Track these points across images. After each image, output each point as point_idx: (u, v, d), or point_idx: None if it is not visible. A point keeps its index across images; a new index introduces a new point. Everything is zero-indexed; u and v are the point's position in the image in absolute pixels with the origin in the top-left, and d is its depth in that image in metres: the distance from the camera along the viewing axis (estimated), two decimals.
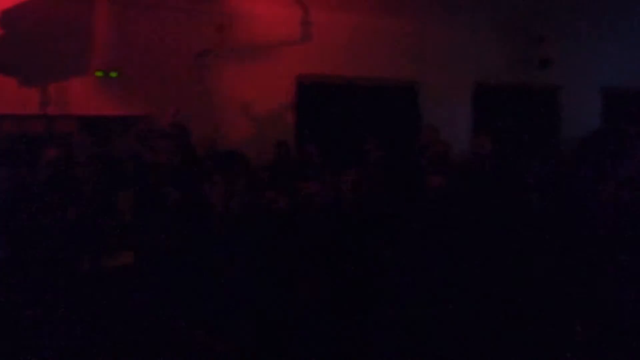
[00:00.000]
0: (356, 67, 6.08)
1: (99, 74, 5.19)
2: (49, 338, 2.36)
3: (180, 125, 4.52)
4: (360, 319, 2.61)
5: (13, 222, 2.90)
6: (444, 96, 6.46)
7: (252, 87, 5.74)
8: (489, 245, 3.06)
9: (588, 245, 2.81)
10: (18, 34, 5.01)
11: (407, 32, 6.33)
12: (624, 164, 2.49)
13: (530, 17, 6.43)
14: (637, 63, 7.09)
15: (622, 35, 6.94)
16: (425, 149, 4.52)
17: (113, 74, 5.23)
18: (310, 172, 4.47)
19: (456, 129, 6.12)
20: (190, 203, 2.93)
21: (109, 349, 2.34)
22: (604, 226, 2.88)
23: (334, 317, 2.55)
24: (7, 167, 3.40)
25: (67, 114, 5.19)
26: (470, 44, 6.62)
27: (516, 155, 4.64)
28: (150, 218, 3.01)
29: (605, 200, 3.01)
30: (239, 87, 5.68)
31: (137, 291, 2.45)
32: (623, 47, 7.05)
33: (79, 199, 3.25)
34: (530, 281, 2.84)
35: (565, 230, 3.14)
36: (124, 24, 5.33)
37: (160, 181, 3.58)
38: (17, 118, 5.09)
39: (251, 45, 5.73)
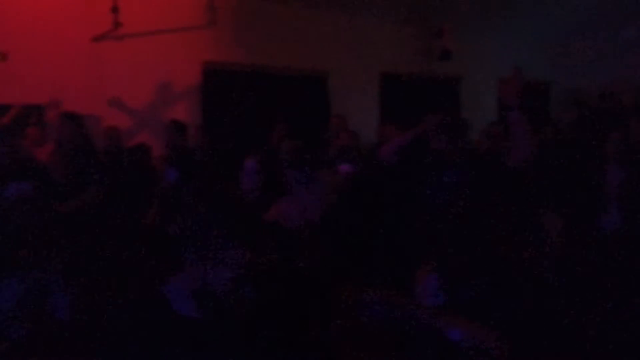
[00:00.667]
0: (264, 55, 5.98)
1: None
2: None
3: (72, 116, 4.17)
4: None
5: None
6: (352, 86, 6.53)
7: (154, 74, 5.47)
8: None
9: None
10: None
11: (317, 21, 6.32)
12: (511, 154, 2.59)
13: (431, 10, 6.65)
14: (532, 55, 7.58)
15: (518, 28, 7.38)
16: (333, 138, 4.54)
17: None
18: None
19: (364, 119, 6.24)
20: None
21: None
22: None
23: None
24: None
25: None
26: (375, 34, 6.73)
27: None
28: None
29: None
30: (139, 73, 5.37)
31: None
32: (520, 40, 7.51)
33: None
34: None
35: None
36: (9, 4, 4.85)
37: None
38: None
39: (152, 29, 5.43)
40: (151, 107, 5.54)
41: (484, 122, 4.89)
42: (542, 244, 2.71)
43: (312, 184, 2.90)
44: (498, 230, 2.11)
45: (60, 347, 2.31)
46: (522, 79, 2.60)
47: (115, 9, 4.92)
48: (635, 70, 7.44)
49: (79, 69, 5.14)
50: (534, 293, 1.97)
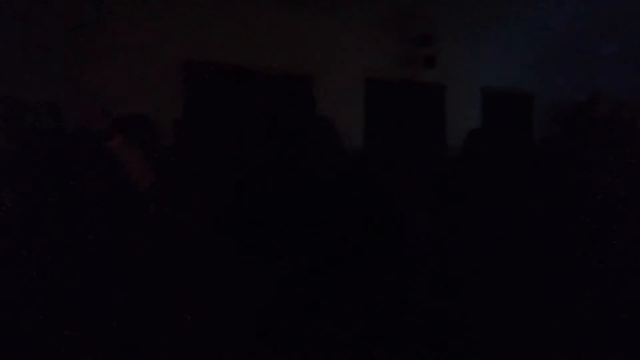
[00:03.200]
0: (249, 55, 5.88)
1: None
2: None
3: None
4: None
5: None
6: (337, 91, 6.48)
7: (134, 68, 5.32)
8: None
9: None
10: None
11: (303, 22, 6.25)
12: None
13: (417, 16, 6.65)
14: (516, 66, 7.65)
15: (503, 37, 7.43)
16: (320, 142, 4.46)
17: None
18: None
19: (349, 124, 6.17)
20: None
21: None
22: None
23: None
24: None
25: None
26: (360, 39, 6.69)
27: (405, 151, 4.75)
28: None
29: None
30: (119, 67, 5.22)
31: None
32: (504, 50, 7.57)
33: None
34: None
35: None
36: None
37: None
38: None
39: (134, 19, 5.30)
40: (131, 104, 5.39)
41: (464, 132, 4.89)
42: None
43: None
44: None
45: None
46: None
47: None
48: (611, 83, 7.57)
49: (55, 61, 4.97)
50: None
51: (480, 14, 6.66)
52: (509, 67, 7.76)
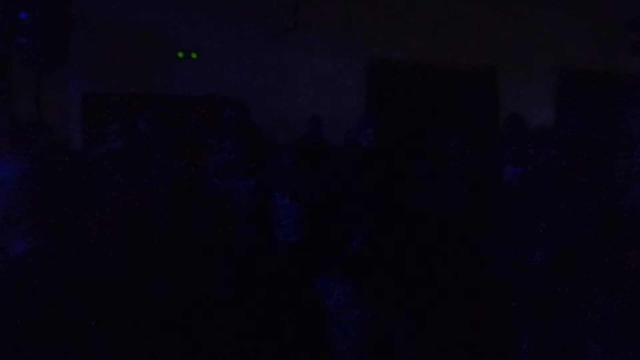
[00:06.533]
0: (433, 49, 5.90)
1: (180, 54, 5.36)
2: None
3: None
4: None
5: None
6: (522, 82, 6.16)
7: (325, 69, 5.72)
8: None
9: None
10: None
11: (486, 13, 6.06)
12: None
13: None
14: None
15: None
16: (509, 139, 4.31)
17: (194, 55, 5.38)
18: None
19: (538, 117, 5.83)
20: None
21: None
22: None
23: None
24: None
25: None
26: (552, 26, 6.25)
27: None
28: None
29: None
30: (314, 68, 5.66)
31: None
32: None
33: None
34: None
35: None
36: None
37: None
38: None
39: (327, 25, 5.69)
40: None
41: None
42: None
43: None
44: None
45: None
46: None
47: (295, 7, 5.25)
48: None
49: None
50: None
51: None
52: None
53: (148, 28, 5.30)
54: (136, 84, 5.07)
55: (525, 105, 5.85)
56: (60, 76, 5.09)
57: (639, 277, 2.65)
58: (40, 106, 4.59)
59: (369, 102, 5.85)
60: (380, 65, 5.86)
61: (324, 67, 5.71)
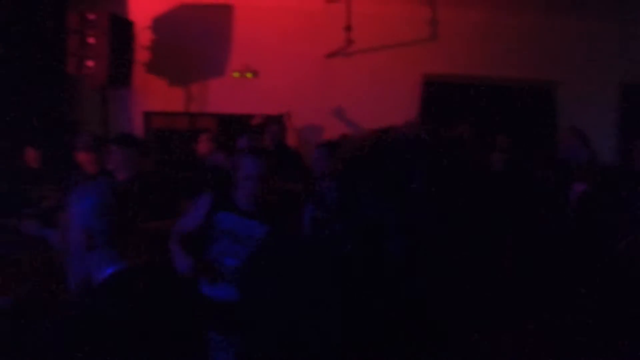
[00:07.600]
0: (485, 66, 5.84)
1: (235, 74, 5.53)
2: None
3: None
4: None
5: None
6: (584, 97, 5.97)
7: (377, 86, 5.76)
8: None
9: None
10: (166, 38, 5.50)
11: (542, 28, 5.94)
12: None
13: None
14: None
15: None
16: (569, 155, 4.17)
17: (249, 75, 5.53)
18: None
19: (598, 134, 5.62)
20: None
21: None
22: None
23: None
24: None
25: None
26: (614, 39, 6.04)
27: None
28: None
29: None
30: (364, 86, 5.72)
31: None
32: None
33: None
34: None
35: None
36: (259, 29, 5.62)
37: None
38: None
39: (377, 45, 5.75)
40: (372, 117, 5.83)
41: None
42: None
43: None
44: None
45: None
46: None
47: (348, 28, 5.32)
48: None
49: (312, 84, 5.68)
50: None
51: None
52: None
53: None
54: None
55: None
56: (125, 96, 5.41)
57: None
58: (108, 123, 4.87)
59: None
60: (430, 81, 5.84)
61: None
